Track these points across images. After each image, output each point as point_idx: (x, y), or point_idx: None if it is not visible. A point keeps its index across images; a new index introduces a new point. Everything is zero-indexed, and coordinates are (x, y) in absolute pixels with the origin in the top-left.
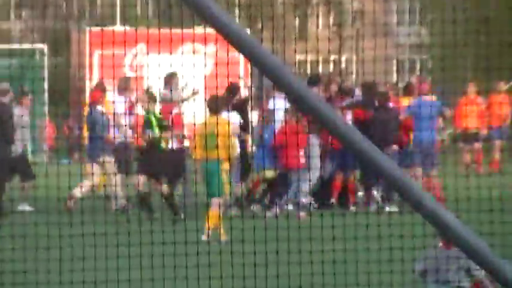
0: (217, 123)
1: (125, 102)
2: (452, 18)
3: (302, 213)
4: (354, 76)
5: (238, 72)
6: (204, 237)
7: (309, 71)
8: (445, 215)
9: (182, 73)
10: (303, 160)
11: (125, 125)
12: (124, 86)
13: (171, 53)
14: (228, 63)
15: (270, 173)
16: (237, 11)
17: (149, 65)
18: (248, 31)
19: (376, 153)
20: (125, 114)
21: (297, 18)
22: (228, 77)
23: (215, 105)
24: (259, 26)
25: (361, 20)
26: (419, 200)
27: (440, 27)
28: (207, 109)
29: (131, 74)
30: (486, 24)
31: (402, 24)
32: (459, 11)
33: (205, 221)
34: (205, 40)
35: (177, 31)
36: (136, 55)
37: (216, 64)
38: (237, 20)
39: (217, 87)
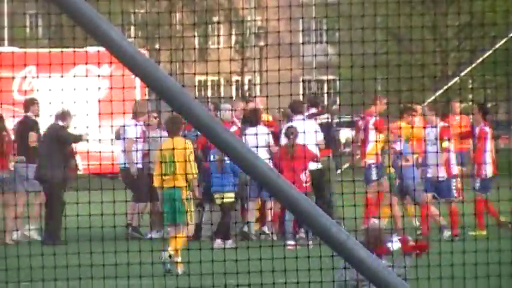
0: (173, 147)
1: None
2: (361, 38)
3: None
4: (258, 99)
5: (135, 96)
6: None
7: (209, 93)
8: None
9: (74, 97)
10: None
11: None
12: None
13: (62, 76)
14: (123, 87)
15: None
16: (132, 30)
17: (39, 89)
18: (144, 52)
19: (289, 188)
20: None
21: (196, 38)
22: (123, 101)
23: (173, 127)
24: (156, 46)
25: (264, 40)
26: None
27: (348, 47)
28: (165, 132)
29: (20, 98)
30: (398, 43)
31: (308, 44)
32: (368, 31)
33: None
34: (98, 61)
35: (68, 51)
36: (25, 78)
37: (111, 88)
38: (132, 40)
39: (112, 112)
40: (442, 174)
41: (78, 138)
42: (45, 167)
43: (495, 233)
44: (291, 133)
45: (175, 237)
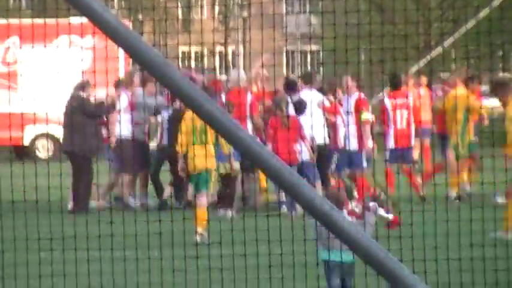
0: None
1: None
2: (344, 8)
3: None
4: (241, 69)
5: (118, 67)
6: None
7: (193, 64)
8: (339, 217)
9: (58, 68)
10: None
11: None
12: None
13: (45, 46)
14: (106, 58)
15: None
16: (115, 1)
17: (23, 60)
18: (127, 23)
19: (268, 155)
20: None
21: (179, 9)
22: (106, 73)
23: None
24: (140, 17)
25: (248, 10)
26: (311, 201)
27: (331, 17)
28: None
29: (4, 69)
30: (381, 14)
31: (291, 14)
32: (351, 1)
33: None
34: (82, 32)
35: (51, 23)
36: (8, 48)
37: (94, 59)
38: (115, 11)
39: (95, 83)
40: (354, 146)
41: (102, 111)
42: (71, 139)
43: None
44: (285, 103)
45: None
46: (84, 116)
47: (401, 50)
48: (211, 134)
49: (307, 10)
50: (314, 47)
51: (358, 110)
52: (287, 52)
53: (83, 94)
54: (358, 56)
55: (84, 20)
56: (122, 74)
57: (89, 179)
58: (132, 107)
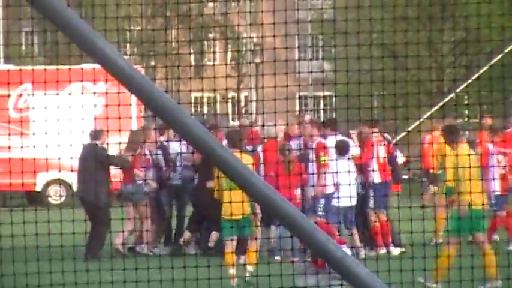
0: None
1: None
2: (356, 54)
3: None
4: (254, 115)
5: (131, 113)
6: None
7: (205, 110)
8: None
9: (70, 114)
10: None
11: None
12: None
13: (57, 93)
14: (119, 104)
15: None
16: (128, 47)
17: (35, 106)
18: (140, 69)
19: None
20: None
21: (192, 55)
22: (119, 119)
23: (237, 140)
24: (152, 63)
25: (260, 56)
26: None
27: (344, 63)
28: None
29: (16, 115)
30: (394, 60)
31: (304, 60)
32: (364, 47)
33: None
34: (94, 78)
35: (64, 69)
36: (21, 95)
37: (107, 105)
38: (128, 57)
39: (108, 129)
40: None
41: (125, 163)
42: (88, 188)
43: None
44: (287, 150)
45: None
46: (98, 163)
47: (414, 96)
48: None
49: (320, 56)
50: (327, 93)
51: (317, 154)
52: (300, 97)
53: (97, 142)
54: (371, 102)
55: (96, 66)
56: (134, 121)
57: (101, 227)
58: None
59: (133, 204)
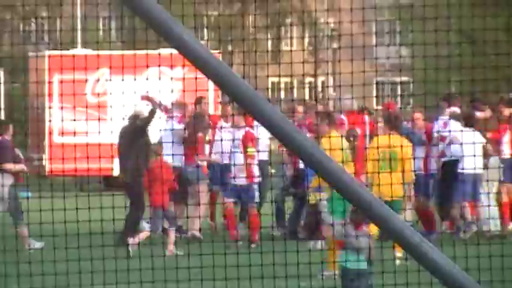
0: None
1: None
2: (434, 40)
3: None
4: (331, 101)
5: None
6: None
7: (282, 95)
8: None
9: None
10: None
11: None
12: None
13: (135, 78)
14: (196, 89)
15: None
16: (205, 32)
17: (112, 91)
18: (217, 54)
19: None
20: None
21: (269, 41)
22: (195, 104)
23: (395, 122)
24: (229, 48)
25: (337, 42)
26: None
27: (421, 48)
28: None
29: (94, 100)
30: (471, 45)
31: (381, 46)
32: (441, 32)
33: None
34: (171, 63)
35: (141, 54)
36: (98, 80)
37: (184, 90)
38: (205, 42)
39: (185, 114)
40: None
41: (151, 115)
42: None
43: None
44: (353, 135)
45: None
46: (137, 135)
47: (492, 82)
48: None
49: (398, 42)
50: (404, 78)
51: (245, 145)
52: (377, 83)
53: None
54: (448, 88)
55: (174, 51)
56: (211, 106)
57: (139, 206)
58: None
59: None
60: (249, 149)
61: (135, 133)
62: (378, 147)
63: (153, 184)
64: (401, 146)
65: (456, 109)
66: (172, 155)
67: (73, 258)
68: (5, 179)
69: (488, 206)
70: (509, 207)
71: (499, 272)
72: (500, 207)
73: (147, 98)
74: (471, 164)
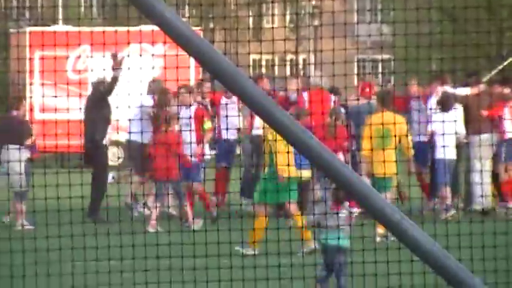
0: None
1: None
2: (415, 18)
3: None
4: (312, 78)
5: (189, 76)
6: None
7: (264, 72)
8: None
9: (128, 76)
10: None
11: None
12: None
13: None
14: (177, 66)
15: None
16: (187, 9)
17: (93, 68)
18: (199, 31)
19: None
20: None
21: (250, 18)
22: (177, 81)
23: (385, 100)
24: (211, 25)
25: (319, 19)
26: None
27: (403, 26)
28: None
29: (75, 77)
30: (452, 23)
31: (363, 23)
32: (423, 10)
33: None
34: (153, 40)
35: (123, 31)
36: (79, 57)
37: (165, 67)
38: (187, 19)
39: (166, 90)
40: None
41: (113, 82)
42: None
43: None
44: (336, 113)
45: None
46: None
47: (473, 60)
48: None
49: (379, 19)
50: (385, 56)
51: (199, 120)
52: (358, 61)
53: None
54: (429, 66)
55: (155, 28)
56: (192, 83)
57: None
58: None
59: None
60: (205, 124)
61: (96, 101)
62: (371, 125)
63: (159, 157)
64: (395, 123)
65: (448, 88)
66: (141, 132)
67: (53, 235)
68: (22, 154)
69: (481, 183)
70: (510, 185)
71: (479, 251)
72: (502, 186)
73: (113, 57)
74: (445, 150)
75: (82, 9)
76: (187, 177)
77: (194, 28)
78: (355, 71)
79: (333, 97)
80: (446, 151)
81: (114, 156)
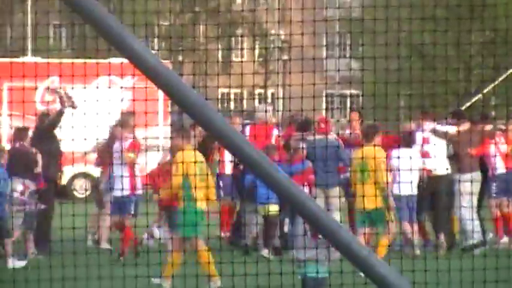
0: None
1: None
2: (384, 54)
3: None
4: (280, 113)
5: (157, 108)
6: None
7: (232, 106)
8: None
9: (97, 108)
10: None
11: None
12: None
13: (85, 87)
14: (146, 99)
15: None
16: (156, 42)
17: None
18: (168, 64)
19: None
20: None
21: (219, 51)
22: (146, 113)
23: (369, 135)
24: (180, 58)
25: (288, 54)
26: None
27: (371, 62)
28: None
29: (43, 108)
30: (421, 60)
31: (331, 58)
32: (392, 46)
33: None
34: (122, 73)
35: (92, 62)
36: (48, 88)
37: (134, 100)
38: (156, 51)
39: (134, 124)
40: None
41: (58, 116)
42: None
43: None
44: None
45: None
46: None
47: (442, 96)
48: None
49: (348, 55)
50: (354, 91)
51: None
52: (327, 96)
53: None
54: (398, 102)
55: (124, 60)
56: (160, 116)
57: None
58: None
59: None
60: (129, 154)
61: (41, 134)
62: (362, 158)
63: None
64: (375, 158)
65: (436, 125)
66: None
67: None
68: (28, 185)
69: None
70: (502, 221)
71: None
72: (495, 221)
73: (54, 92)
74: (407, 186)
75: (51, 40)
76: (119, 210)
77: (163, 61)
78: (324, 106)
79: (275, 131)
80: (404, 187)
81: (81, 188)
